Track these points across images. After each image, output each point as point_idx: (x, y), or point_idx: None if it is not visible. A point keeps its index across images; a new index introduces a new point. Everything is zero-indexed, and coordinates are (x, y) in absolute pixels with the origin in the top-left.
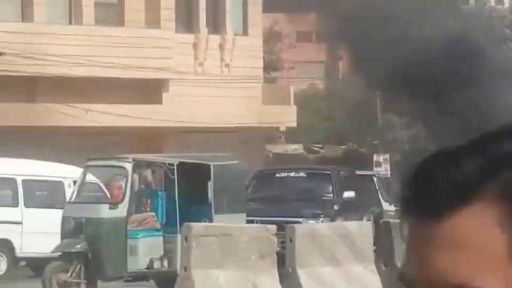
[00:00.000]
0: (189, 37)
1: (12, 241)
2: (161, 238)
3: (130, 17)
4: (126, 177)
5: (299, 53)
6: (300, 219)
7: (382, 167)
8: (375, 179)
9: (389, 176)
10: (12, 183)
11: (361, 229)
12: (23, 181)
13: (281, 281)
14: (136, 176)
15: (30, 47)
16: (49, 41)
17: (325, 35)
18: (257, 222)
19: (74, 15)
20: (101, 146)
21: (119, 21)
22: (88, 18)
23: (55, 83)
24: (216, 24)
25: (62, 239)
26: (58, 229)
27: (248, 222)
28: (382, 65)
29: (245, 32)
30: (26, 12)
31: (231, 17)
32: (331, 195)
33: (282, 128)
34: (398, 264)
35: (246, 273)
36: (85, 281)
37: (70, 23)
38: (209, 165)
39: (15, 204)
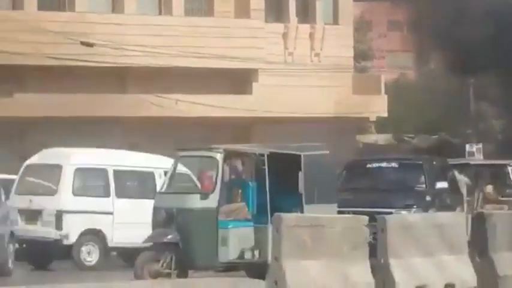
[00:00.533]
0: (279, 26)
1: (104, 231)
2: (252, 228)
3: (220, 7)
4: (217, 167)
5: (390, 42)
6: (392, 210)
7: (475, 156)
8: None
9: None
10: (103, 174)
11: (455, 220)
12: (115, 172)
13: (373, 272)
14: (226, 167)
15: (120, 38)
16: (139, 32)
17: (416, 24)
18: (348, 213)
19: (163, 6)
20: (190, 137)
21: (209, 11)
22: (178, 9)
23: (145, 74)
24: (305, 13)
25: (153, 229)
26: (149, 219)
27: (339, 213)
28: (476, 53)
29: (335, 20)
30: (116, 4)
31: (321, 5)
32: (424, 185)
33: (373, 118)
34: (492, 255)
35: (337, 264)
36: (176, 271)
37: (160, 14)
38: (300, 156)
39: (106, 194)
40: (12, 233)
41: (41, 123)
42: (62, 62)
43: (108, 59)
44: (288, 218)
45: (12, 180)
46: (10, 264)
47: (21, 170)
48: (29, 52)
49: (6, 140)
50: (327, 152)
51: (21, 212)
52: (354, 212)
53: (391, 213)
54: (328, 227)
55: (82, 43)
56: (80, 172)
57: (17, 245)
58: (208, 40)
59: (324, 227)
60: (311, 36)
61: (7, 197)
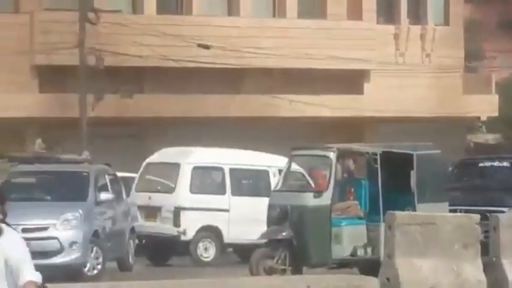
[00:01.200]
0: (390, 28)
1: (220, 228)
2: (364, 226)
3: (332, 9)
4: (330, 166)
5: (501, 42)
6: (504, 209)
7: None
8: None
9: None
10: (220, 172)
11: None
12: (230, 170)
13: (485, 271)
14: (339, 165)
15: (236, 40)
16: (254, 34)
17: None
18: (460, 211)
19: (277, 8)
20: (303, 136)
21: (322, 13)
22: (291, 11)
23: (260, 75)
24: (416, 15)
25: (267, 226)
26: (263, 217)
27: (451, 211)
28: None
29: (446, 21)
30: (232, 7)
31: (432, 7)
32: None
33: (483, 118)
34: None
35: (449, 262)
36: (290, 268)
37: (274, 16)
38: (412, 155)
39: (222, 192)
40: (132, 229)
41: (159, 123)
42: (180, 64)
43: (225, 60)
44: (401, 216)
45: (133, 178)
46: (131, 259)
47: (141, 168)
48: (147, 54)
49: (127, 139)
50: (439, 151)
51: (141, 208)
52: (466, 211)
53: (503, 211)
54: (440, 225)
55: (199, 45)
56: (197, 170)
57: (136, 241)
58: (321, 42)
59: (435, 225)
60: (422, 37)
61: (127, 195)
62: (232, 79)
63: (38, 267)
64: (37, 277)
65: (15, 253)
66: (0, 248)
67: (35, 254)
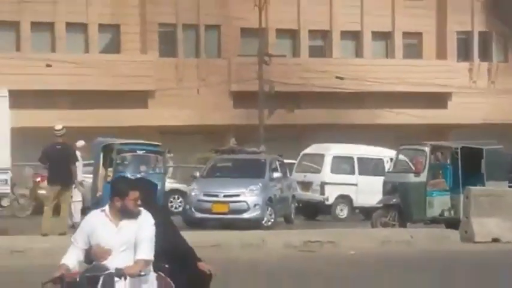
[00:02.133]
0: (466, 64)
1: (351, 196)
2: (449, 196)
3: (426, 52)
4: (425, 156)
5: None
6: None
7: None
8: None
9: None
10: (350, 160)
11: None
12: (358, 158)
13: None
14: (431, 155)
15: (361, 73)
16: (373, 69)
17: None
18: None
19: (389, 51)
20: (405, 137)
21: (419, 54)
22: (398, 53)
23: (377, 96)
24: (485, 55)
25: (383, 195)
26: (380, 189)
27: (510, 187)
28: None
29: (505, 59)
30: (358, 51)
31: (496, 49)
32: None
33: None
34: None
35: (508, 222)
36: (398, 223)
37: (386, 57)
38: (482, 149)
39: (352, 173)
40: (293, 196)
41: (311, 128)
42: (324, 89)
43: (353, 87)
44: (474, 189)
45: (293, 164)
46: (292, 216)
47: (299, 157)
48: (303, 83)
49: (290, 138)
50: (501, 146)
51: (299, 183)
52: None
53: None
54: (502, 196)
55: (337, 77)
56: (336, 159)
57: (296, 204)
58: (419, 74)
59: (499, 196)
60: (488, 70)
61: (290, 174)
62: (358, 99)
63: (233, 220)
64: (147, 255)
65: (141, 233)
66: (135, 226)
67: (232, 211)
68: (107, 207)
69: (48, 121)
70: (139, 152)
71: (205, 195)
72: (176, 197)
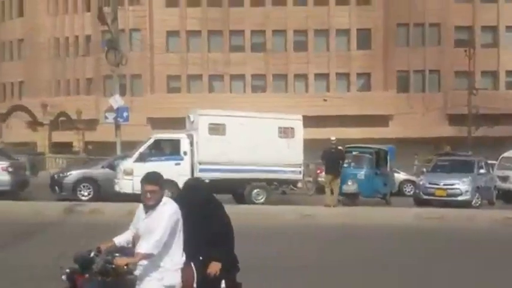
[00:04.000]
0: None
1: None
2: None
3: None
4: None
5: None
6: None
7: None
8: None
9: None
10: None
11: None
12: None
13: None
14: None
15: None
16: None
17: None
18: None
19: None
20: None
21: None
22: None
23: None
24: None
25: None
26: None
27: None
28: None
29: None
30: None
31: None
32: None
33: None
34: None
35: None
36: None
37: None
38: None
39: None
40: (495, 187)
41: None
42: None
43: None
44: None
45: (495, 164)
46: (494, 200)
47: (499, 159)
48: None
49: (492, 147)
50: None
51: (499, 177)
52: None
53: None
54: None
55: None
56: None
57: (496, 192)
58: None
59: None
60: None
61: (493, 171)
62: None
63: (450, 201)
64: (147, 249)
65: (153, 225)
66: (155, 217)
67: (449, 195)
68: None
69: (325, 134)
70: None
71: (430, 183)
72: (408, 184)
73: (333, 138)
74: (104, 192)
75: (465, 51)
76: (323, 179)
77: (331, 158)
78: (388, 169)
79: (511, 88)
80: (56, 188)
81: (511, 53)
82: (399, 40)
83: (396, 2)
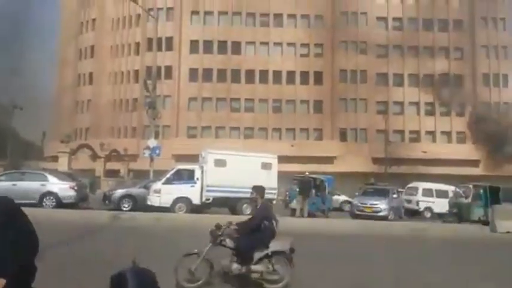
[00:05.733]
0: None
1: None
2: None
3: None
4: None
5: None
6: None
7: None
8: None
9: None
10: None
11: None
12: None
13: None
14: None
15: None
16: None
17: None
18: None
19: None
20: None
21: None
22: None
23: None
24: None
25: None
26: None
27: None
28: None
29: None
30: None
31: None
32: None
33: None
34: None
35: None
36: None
37: None
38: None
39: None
40: (402, 206)
41: None
42: None
43: None
44: None
45: (402, 191)
46: (402, 215)
47: (405, 188)
48: None
49: None
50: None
51: (405, 200)
52: None
53: None
54: None
55: None
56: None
57: (403, 210)
58: None
59: None
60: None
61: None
62: None
63: (374, 216)
64: None
65: None
66: None
67: (373, 211)
68: None
69: (292, 168)
70: None
71: (361, 203)
72: (346, 203)
73: (307, 172)
74: (140, 205)
75: (383, 116)
76: (294, 203)
77: (303, 185)
78: (326, 192)
79: (412, 141)
80: (107, 201)
81: (412, 119)
82: (341, 108)
83: (338, 82)
